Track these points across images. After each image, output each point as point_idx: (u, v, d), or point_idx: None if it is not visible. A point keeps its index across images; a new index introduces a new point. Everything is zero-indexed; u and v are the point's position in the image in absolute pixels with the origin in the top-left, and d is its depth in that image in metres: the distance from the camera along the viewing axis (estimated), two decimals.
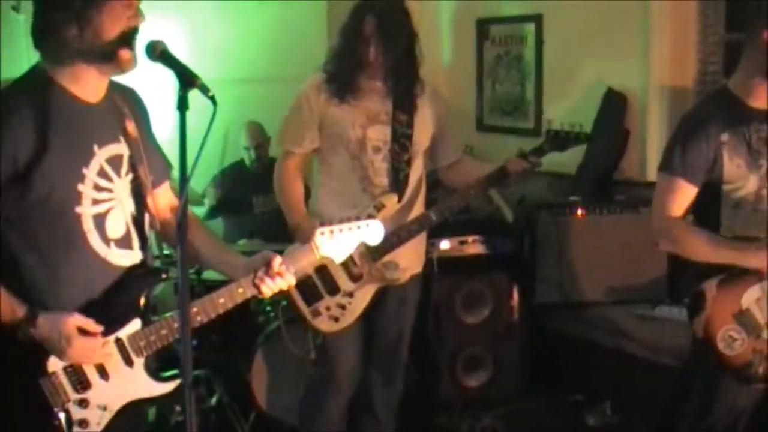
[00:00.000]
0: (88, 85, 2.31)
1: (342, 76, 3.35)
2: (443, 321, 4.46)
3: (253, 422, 4.20)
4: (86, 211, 2.27)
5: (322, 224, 2.45)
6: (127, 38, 2.26)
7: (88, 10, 2.21)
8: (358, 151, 3.38)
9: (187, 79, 2.08)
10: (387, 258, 3.34)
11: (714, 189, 2.86)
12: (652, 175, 4.65)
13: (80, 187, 2.26)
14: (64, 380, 2.27)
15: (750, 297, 2.83)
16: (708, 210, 2.90)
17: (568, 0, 5.00)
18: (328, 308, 3.32)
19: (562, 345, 4.54)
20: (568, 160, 4.90)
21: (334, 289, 3.32)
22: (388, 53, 3.28)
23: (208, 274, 4.47)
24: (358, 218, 2.51)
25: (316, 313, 3.32)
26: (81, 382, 2.29)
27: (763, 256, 2.77)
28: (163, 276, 2.45)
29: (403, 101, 3.38)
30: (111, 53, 2.25)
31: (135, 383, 2.35)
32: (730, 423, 2.93)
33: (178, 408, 4.05)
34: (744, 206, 2.86)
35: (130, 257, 2.39)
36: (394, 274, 3.35)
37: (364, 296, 3.36)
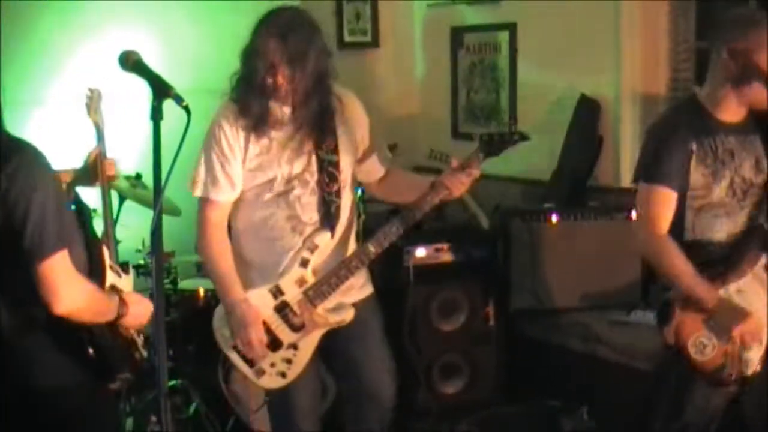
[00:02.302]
0: None
1: (254, 106, 2.96)
2: (419, 328, 4.47)
3: (230, 431, 4.18)
4: None
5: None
6: None
7: None
8: (283, 187, 3.03)
9: (160, 89, 2.09)
10: (332, 300, 3.08)
11: (681, 195, 2.90)
12: (626, 181, 4.71)
13: None
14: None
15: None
16: (675, 215, 2.93)
17: (541, 8, 5.04)
18: (272, 365, 3.06)
19: (538, 351, 4.55)
20: (542, 166, 4.95)
21: (276, 344, 3.05)
22: (298, 80, 2.91)
23: (184, 284, 4.47)
24: None
25: (261, 373, 3.07)
26: None
27: (723, 312, 2.85)
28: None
29: (324, 126, 3.02)
30: None
31: None
32: (703, 425, 2.96)
33: (154, 418, 4.03)
34: (707, 211, 2.91)
35: None
36: (340, 315, 3.08)
37: (309, 344, 3.08)
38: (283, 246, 3.06)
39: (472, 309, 4.53)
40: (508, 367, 4.62)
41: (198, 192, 3.08)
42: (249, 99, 2.97)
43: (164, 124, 2.09)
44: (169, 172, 2.00)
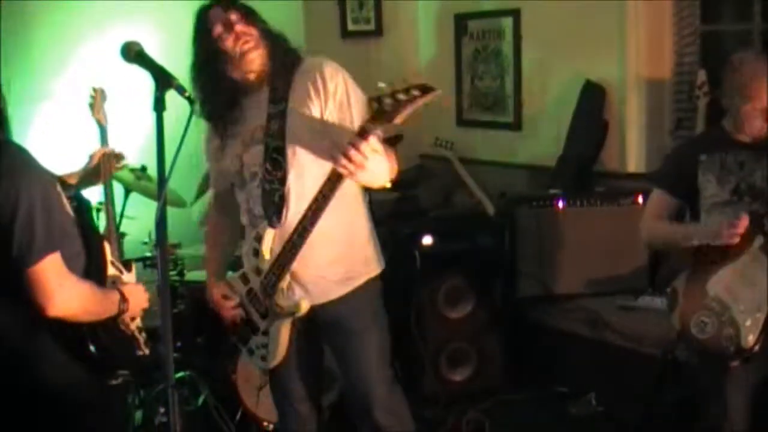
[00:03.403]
0: None
1: (215, 105, 2.92)
2: (426, 316, 4.47)
3: (239, 423, 4.19)
4: None
5: None
6: None
7: None
8: (240, 182, 3.01)
9: (163, 80, 2.08)
10: (292, 289, 2.95)
11: (693, 200, 3.20)
12: (631, 166, 4.70)
13: None
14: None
15: (713, 282, 3.03)
16: (692, 214, 3.23)
17: None
18: (256, 347, 3.08)
19: (545, 337, 4.56)
20: (547, 153, 4.94)
21: (255, 327, 3.06)
22: (259, 29, 2.88)
23: (191, 275, 4.47)
24: None
25: (251, 352, 3.11)
26: None
27: (710, 228, 3.05)
28: None
29: (277, 107, 2.89)
30: None
31: None
32: (723, 419, 3.02)
33: (162, 409, 4.04)
34: (715, 209, 3.13)
35: None
36: (290, 306, 2.93)
37: (279, 331, 2.98)
38: (246, 237, 3.10)
39: (478, 296, 4.53)
40: (515, 353, 4.62)
41: None
42: (210, 95, 2.91)
43: (167, 115, 2.08)
44: (173, 164, 2.00)
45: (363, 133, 2.57)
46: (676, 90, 4.68)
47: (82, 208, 2.61)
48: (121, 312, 2.56)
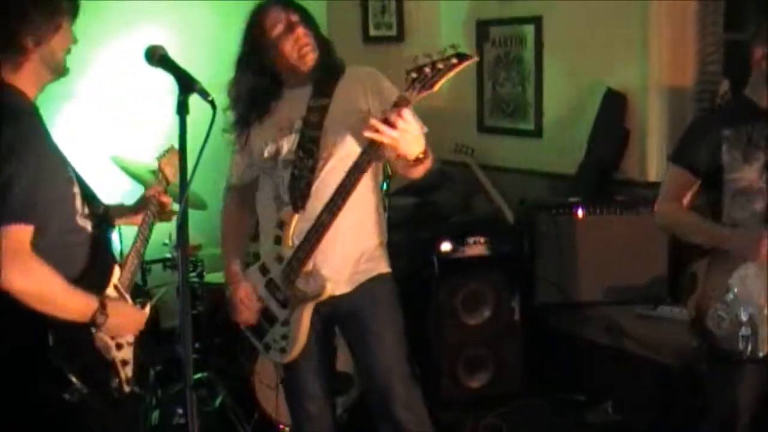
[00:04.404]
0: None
1: (257, 100, 3.06)
2: (444, 322, 4.47)
3: (255, 425, 4.21)
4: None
5: None
6: None
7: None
8: (271, 167, 3.09)
9: (186, 84, 2.10)
10: (308, 271, 3.00)
11: (716, 179, 3.00)
12: (652, 175, 4.68)
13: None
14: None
15: (737, 277, 2.91)
16: (712, 197, 3.04)
17: (566, 1, 5.02)
18: (274, 340, 3.11)
19: (563, 345, 4.55)
20: (568, 160, 4.94)
21: (273, 319, 3.10)
22: (313, 35, 3.00)
23: (210, 277, 4.50)
24: None
25: (267, 347, 3.14)
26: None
27: (738, 240, 2.91)
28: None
29: (319, 101, 3.03)
30: None
31: None
32: (731, 418, 2.96)
33: (180, 410, 4.06)
34: (740, 196, 2.97)
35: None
36: (315, 288, 2.98)
37: (300, 320, 3.03)
38: (270, 225, 3.11)
39: (497, 303, 4.53)
40: (533, 360, 4.61)
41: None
42: (251, 82, 3.04)
43: (189, 118, 2.10)
44: (195, 166, 2.01)
45: (403, 100, 2.69)
46: (698, 99, 4.65)
47: (104, 226, 2.60)
48: (94, 323, 2.43)
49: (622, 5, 4.72)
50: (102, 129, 5.02)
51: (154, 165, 3.07)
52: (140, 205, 2.91)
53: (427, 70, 2.69)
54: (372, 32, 5.73)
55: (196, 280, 4.39)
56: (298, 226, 2.99)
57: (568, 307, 4.51)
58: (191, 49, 4.86)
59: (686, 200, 3.10)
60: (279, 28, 2.97)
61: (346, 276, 3.08)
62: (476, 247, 4.54)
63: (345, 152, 2.97)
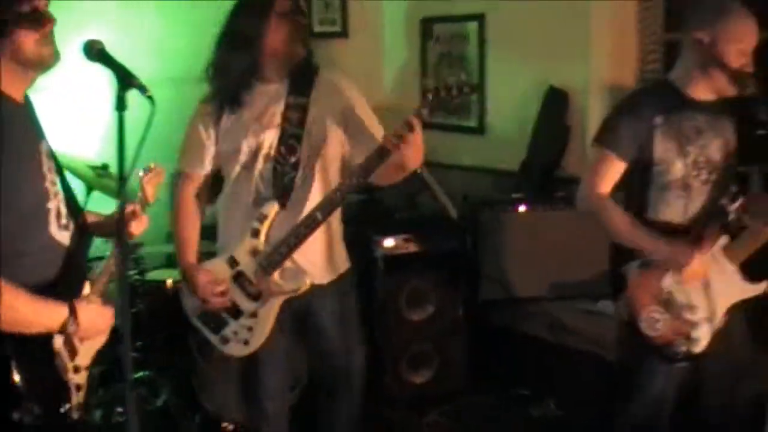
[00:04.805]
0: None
1: (233, 85, 3.08)
2: (388, 318, 4.48)
3: (199, 423, 4.18)
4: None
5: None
6: None
7: None
8: (250, 161, 3.13)
9: (124, 79, 2.08)
10: (289, 266, 3.12)
11: (645, 169, 2.94)
12: None
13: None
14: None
15: (670, 279, 2.90)
16: (637, 190, 2.98)
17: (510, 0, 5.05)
18: (235, 333, 3.15)
19: (507, 340, 4.58)
20: (511, 157, 4.97)
21: (236, 312, 3.15)
22: (303, 38, 3.07)
23: (153, 274, 4.45)
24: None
25: (225, 340, 3.18)
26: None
27: (667, 255, 2.87)
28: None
29: (298, 99, 3.11)
30: None
31: None
32: (654, 410, 2.98)
33: (119, 409, 4.01)
34: (670, 190, 2.93)
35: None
36: (295, 283, 3.10)
37: (269, 312, 3.12)
38: (245, 219, 3.14)
39: (441, 299, 4.55)
40: (477, 357, 4.64)
41: (176, 165, 3.26)
42: (229, 75, 3.05)
43: (129, 114, 2.08)
44: (134, 162, 1.99)
45: (418, 115, 2.92)
46: None
47: (82, 239, 2.50)
48: (65, 331, 2.34)
49: (564, 4, 4.77)
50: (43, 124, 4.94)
51: (135, 179, 2.91)
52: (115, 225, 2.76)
53: (443, 94, 2.96)
54: (316, 28, 5.71)
55: (137, 277, 4.34)
56: (277, 220, 3.08)
57: (512, 303, 4.54)
58: (132, 44, 4.83)
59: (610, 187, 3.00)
60: (285, 6, 3.02)
61: (322, 269, 3.21)
62: (420, 244, 4.55)
63: (325, 152, 3.14)
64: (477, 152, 5.35)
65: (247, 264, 3.12)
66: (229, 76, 3.07)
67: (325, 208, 3.04)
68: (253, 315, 3.13)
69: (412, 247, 4.54)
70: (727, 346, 2.93)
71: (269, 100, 3.11)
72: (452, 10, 5.46)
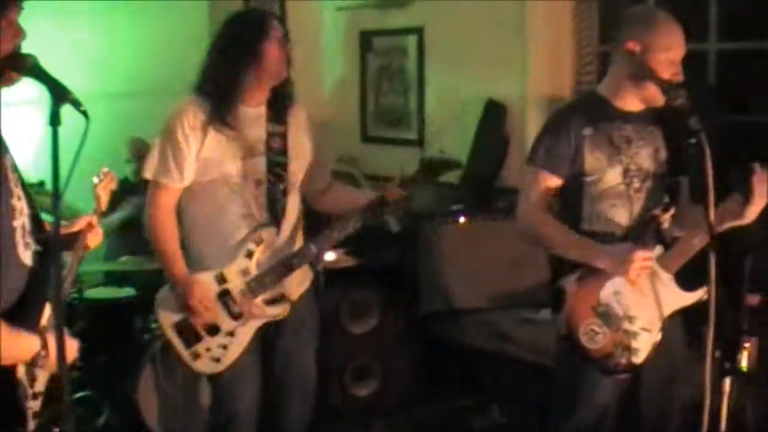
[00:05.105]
0: None
1: (225, 99, 3.09)
2: (330, 332, 4.46)
3: None
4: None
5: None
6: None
7: None
8: (240, 184, 3.15)
9: (58, 94, 2.04)
10: (271, 293, 3.19)
11: (577, 181, 2.94)
12: None
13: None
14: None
15: (608, 291, 2.90)
16: (572, 201, 2.97)
17: (448, 13, 5.10)
18: (208, 349, 3.15)
19: (450, 351, 4.60)
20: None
21: (214, 329, 3.15)
22: (289, 65, 3.15)
23: (91, 293, 4.39)
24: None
25: (196, 356, 3.16)
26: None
27: (610, 259, 2.86)
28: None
29: (277, 127, 3.20)
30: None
31: None
32: (594, 420, 3.00)
33: (56, 430, 3.94)
34: (603, 200, 2.93)
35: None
36: (277, 309, 3.19)
37: (246, 333, 3.17)
38: (231, 237, 3.17)
39: (383, 312, 4.56)
40: (420, 368, 4.65)
41: (148, 175, 3.18)
42: (221, 90, 3.09)
43: (63, 129, 2.05)
44: (68, 178, 1.97)
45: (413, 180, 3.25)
46: None
47: (46, 257, 2.31)
48: (35, 364, 2.24)
49: (501, 18, 4.83)
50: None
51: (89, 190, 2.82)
52: (74, 237, 2.65)
53: (436, 163, 3.32)
54: None
55: (75, 295, 4.28)
56: (270, 245, 3.17)
57: (453, 314, 4.56)
58: (66, 59, 4.78)
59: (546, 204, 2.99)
60: (279, 33, 3.12)
61: (298, 284, 3.31)
62: (361, 258, 4.56)
63: (297, 180, 3.27)
64: (416, 165, 5.36)
65: (234, 283, 3.14)
66: (221, 92, 3.09)
67: (323, 243, 3.21)
68: (230, 334, 3.15)
69: (353, 260, 4.55)
70: (665, 353, 2.96)
71: (252, 123, 3.16)
72: (391, 23, 5.50)
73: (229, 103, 3.10)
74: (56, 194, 1.96)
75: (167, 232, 3.18)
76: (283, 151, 3.20)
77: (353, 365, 4.53)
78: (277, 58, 3.10)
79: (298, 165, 3.26)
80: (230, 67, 3.08)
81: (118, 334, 4.34)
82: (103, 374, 4.28)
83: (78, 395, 4.10)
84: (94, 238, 2.60)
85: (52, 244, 2.03)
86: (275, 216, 3.19)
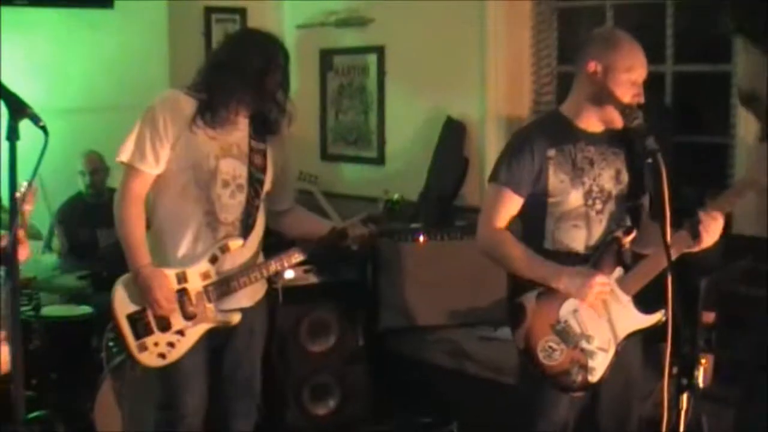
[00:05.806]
0: None
1: (213, 106, 3.15)
2: (289, 350, 4.46)
3: None
4: None
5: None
6: None
7: None
8: (208, 182, 3.18)
9: (17, 109, 2.03)
10: (228, 302, 3.24)
11: (540, 201, 2.94)
12: None
13: None
14: None
15: (567, 309, 2.91)
16: (534, 221, 2.97)
17: (408, 32, 5.13)
18: (156, 344, 3.18)
19: (409, 369, 4.60)
20: (410, 187, 5.02)
21: (165, 325, 3.18)
22: (286, 94, 3.25)
23: (47, 311, 4.34)
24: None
25: (143, 348, 3.19)
26: None
27: (569, 282, 2.87)
28: None
29: (260, 144, 3.28)
30: None
31: None
32: None
33: None
34: (565, 221, 2.93)
35: None
36: (227, 317, 3.25)
37: (194, 334, 3.22)
38: (196, 237, 3.21)
39: (341, 329, 4.55)
40: (379, 386, 4.64)
41: (124, 158, 3.18)
42: (218, 99, 3.14)
43: (21, 144, 2.03)
44: (25, 192, 1.95)
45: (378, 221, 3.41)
46: None
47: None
48: None
49: (461, 37, 4.87)
50: None
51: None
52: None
53: (399, 205, 3.49)
54: None
55: (31, 313, 4.22)
56: (235, 254, 3.24)
57: (412, 332, 4.57)
58: (24, 74, 4.74)
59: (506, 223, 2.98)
60: (282, 62, 3.21)
61: (252, 294, 3.35)
62: (320, 275, 4.55)
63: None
64: (376, 182, 5.39)
65: (193, 285, 3.19)
66: (212, 100, 3.15)
67: (282, 263, 3.31)
68: (180, 333, 3.19)
69: (312, 278, 4.54)
70: (621, 371, 2.99)
71: (233, 128, 3.21)
72: (351, 41, 5.51)
73: (216, 109, 3.16)
74: (14, 210, 1.94)
75: (134, 220, 3.18)
76: (263, 169, 3.28)
77: (312, 383, 4.51)
78: (275, 81, 3.19)
79: (270, 182, 3.33)
80: (227, 87, 3.16)
81: (74, 352, 4.28)
82: (58, 393, 4.22)
83: (33, 414, 4.04)
84: (24, 252, 2.57)
85: (10, 262, 2.01)
86: (246, 228, 3.26)
